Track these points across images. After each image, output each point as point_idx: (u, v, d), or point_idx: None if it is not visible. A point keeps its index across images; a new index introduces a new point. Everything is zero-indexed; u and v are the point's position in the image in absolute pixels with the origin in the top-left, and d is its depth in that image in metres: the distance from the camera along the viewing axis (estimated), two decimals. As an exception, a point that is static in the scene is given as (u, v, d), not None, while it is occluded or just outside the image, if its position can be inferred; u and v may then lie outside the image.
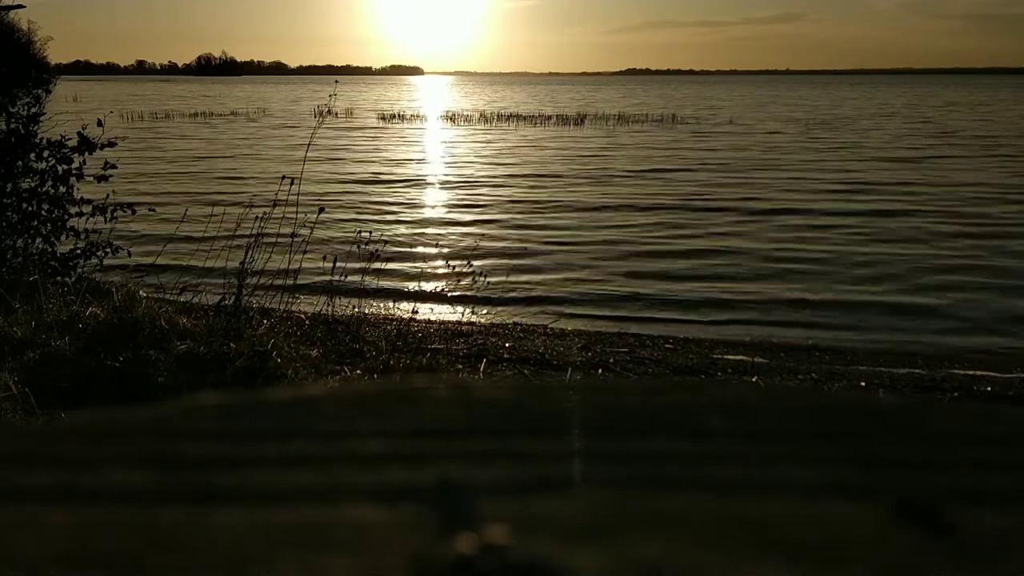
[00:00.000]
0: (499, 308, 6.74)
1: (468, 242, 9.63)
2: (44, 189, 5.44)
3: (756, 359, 5.13)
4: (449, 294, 7.07)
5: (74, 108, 31.23)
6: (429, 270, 8.24)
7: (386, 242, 6.10)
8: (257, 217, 4.77)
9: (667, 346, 5.58)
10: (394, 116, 38.45)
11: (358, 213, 11.72)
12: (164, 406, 0.44)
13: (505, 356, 4.96)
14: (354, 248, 5.49)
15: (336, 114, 36.11)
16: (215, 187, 14.30)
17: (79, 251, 5.50)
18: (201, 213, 6.27)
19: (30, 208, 5.39)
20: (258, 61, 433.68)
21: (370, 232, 5.78)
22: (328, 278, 5.35)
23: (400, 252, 8.62)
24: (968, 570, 0.30)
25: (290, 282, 4.93)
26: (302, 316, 5.18)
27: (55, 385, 3.35)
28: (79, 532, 0.31)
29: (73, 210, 5.49)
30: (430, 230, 10.61)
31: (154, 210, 6.51)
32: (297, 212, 4.90)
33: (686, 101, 55.36)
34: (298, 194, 4.80)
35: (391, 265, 7.11)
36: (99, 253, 5.50)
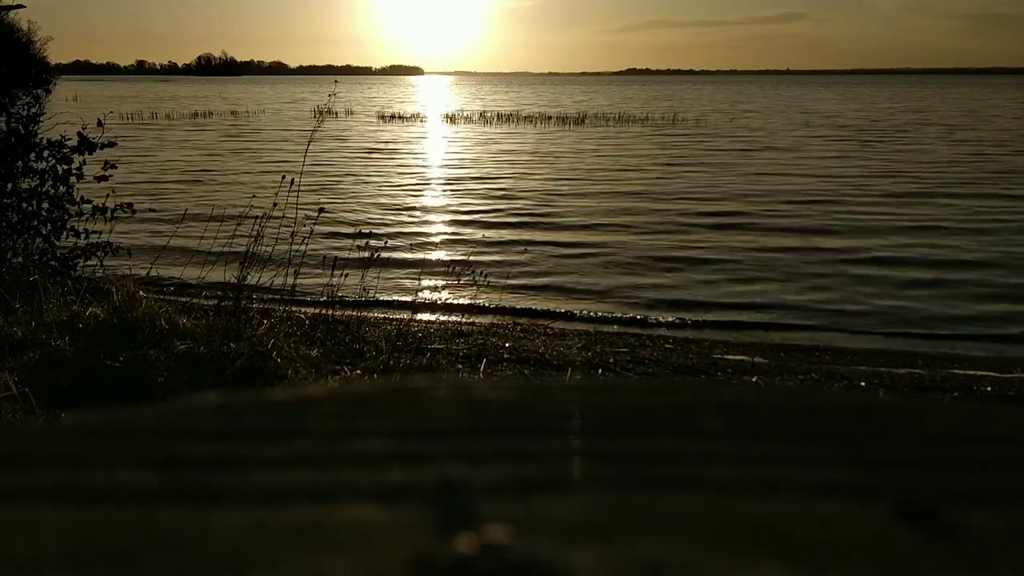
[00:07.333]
0: (499, 308, 6.74)
1: (468, 242, 9.63)
2: (44, 189, 5.44)
3: (756, 359, 5.13)
4: (449, 294, 7.07)
5: (74, 108, 31.17)
6: (429, 270, 8.24)
7: (386, 242, 6.10)
8: (257, 217, 4.78)
9: (667, 346, 5.58)
10: (393, 116, 38.39)
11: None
12: (164, 406, 0.44)
13: (505, 356, 4.95)
14: (354, 248, 5.50)
15: (336, 114, 36.11)
16: (214, 188, 14.30)
17: (79, 251, 5.50)
18: (201, 213, 6.27)
19: (30, 208, 5.39)
20: (258, 61, 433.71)
21: (370, 232, 5.78)
22: (328, 278, 5.35)
23: (400, 252, 8.62)
24: (968, 570, 0.30)
25: (290, 281, 4.93)
26: (302, 316, 5.18)
27: (55, 385, 3.35)
28: (79, 532, 0.31)
29: (73, 210, 5.50)
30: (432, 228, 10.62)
31: (154, 210, 6.52)
32: (297, 211, 4.90)
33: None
34: (298, 192, 4.80)
35: (391, 265, 7.11)
36: (99, 253, 5.50)
